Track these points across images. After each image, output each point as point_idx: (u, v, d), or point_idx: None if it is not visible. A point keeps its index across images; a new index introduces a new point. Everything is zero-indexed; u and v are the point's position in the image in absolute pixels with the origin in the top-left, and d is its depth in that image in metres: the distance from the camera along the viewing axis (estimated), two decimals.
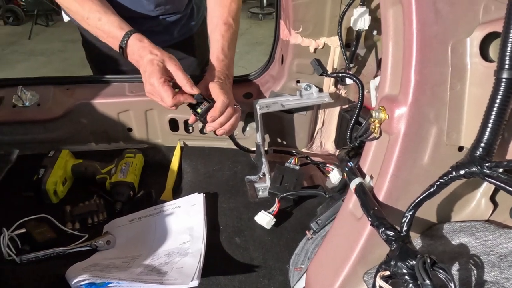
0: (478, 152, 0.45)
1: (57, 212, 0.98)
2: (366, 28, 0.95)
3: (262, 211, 0.96)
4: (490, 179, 0.44)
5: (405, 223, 0.49)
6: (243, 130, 1.23)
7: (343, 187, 0.97)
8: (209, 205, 1.01)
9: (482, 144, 0.45)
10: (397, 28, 0.53)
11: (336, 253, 0.62)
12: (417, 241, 0.57)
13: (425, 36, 0.49)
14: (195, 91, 0.93)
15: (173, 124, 1.21)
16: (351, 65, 1.05)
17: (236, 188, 1.10)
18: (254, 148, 1.17)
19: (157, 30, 1.23)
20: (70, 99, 1.15)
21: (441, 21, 0.48)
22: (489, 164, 0.44)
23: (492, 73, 0.44)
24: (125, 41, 0.93)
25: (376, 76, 1.07)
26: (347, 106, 1.17)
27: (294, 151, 1.25)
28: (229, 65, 1.05)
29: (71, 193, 1.08)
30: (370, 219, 0.51)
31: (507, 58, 0.42)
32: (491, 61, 0.48)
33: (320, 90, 1.13)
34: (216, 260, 0.88)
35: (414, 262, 0.44)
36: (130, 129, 1.20)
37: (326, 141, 1.27)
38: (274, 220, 0.95)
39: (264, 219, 0.95)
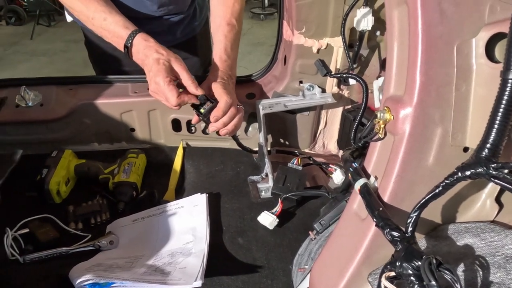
0: (484, 153, 0.45)
1: (60, 212, 0.98)
2: (369, 28, 0.95)
3: (265, 211, 0.96)
4: (496, 180, 0.44)
5: (410, 224, 0.49)
6: (246, 130, 1.23)
7: (346, 187, 0.97)
8: (212, 206, 1.01)
9: (488, 145, 0.45)
10: (402, 28, 0.53)
11: (340, 254, 0.62)
12: (421, 242, 0.57)
13: (430, 36, 0.49)
14: (199, 92, 0.93)
15: (176, 125, 1.21)
16: (354, 66, 1.04)
17: (238, 188, 1.10)
18: (257, 149, 1.17)
19: (160, 30, 1.23)
20: (73, 99, 1.16)
21: (447, 21, 0.48)
22: (495, 165, 0.44)
23: (498, 74, 0.44)
24: (130, 41, 0.93)
25: (379, 76, 1.07)
26: (350, 106, 1.17)
27: (296, 152, 1.25)
28: (232, 65, 1.05)
29: (74, 193, 1.08)
30: (375, 219, 0.51)
31: None
32: (497, 62, 0.48)
33: (323, 91, 1.13)
34: (219, 261, 0.88)
35: (419, 263, 0.44)
36: (133, 129, 1.21)
37: (328, 141, 1.27)
38: (277, 220, 0.95)
39: (267, 219, 0.95)
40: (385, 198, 0.55)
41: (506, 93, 0.43)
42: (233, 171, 1.17)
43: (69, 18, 1.27)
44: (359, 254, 0.57)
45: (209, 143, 1.25)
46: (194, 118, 1.03)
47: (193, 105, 0.96)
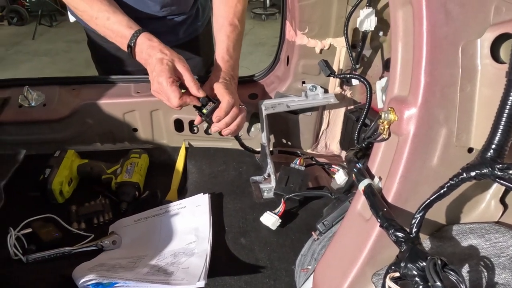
0: (489, 154, 0.45)
1: (63, 212, 0.98)
2: (372, 29, 0.95)
3: (268, 211, 0.96)
4: (501, 181, 0.43)
5: (415, 225, 0.49)
6: (248, 131, 1.23)
7: (348, 188, 0.97)
8: (214, 206, 1.01)
9: (493, 146, 0.45)
10: (407, 29, 0.53)
11: (344, 254, 0.62)
12: (426, 242, 0.57)
13: (435, 37, 0.49)
14: (201, 94, 0.93)
15: (178, 125, 1.21)
16: (357, 66, 1.04)
17: (241, 188, 1.10)
18: (259, 149, 1.17)
19: (162, 30, 1.23)
20: (76, 99, 1.16)
21: (452, 22, 0.48)
22: (500, 165, 0.44)
23: (503, 75, 0.44)
24: (134, 40, 0.93)
25: (382, 77, 1.07)
26: (352, 107, 1.17)
27: (299, 152, 1.25)
28: (234, 65, 1.05)
29: (76, 193, 1.08)
30: (379, 220, 0.51)
31: None
32: (502, 62, 0.48)
33: (326, 91, 1.13)
34: (221, 261, 0.88)
35: (424, 263, 0.44)
36: (135, 130, 1.21)
37: (331, 142, 1.27)
38: (280, 221, 0.95)
39: (270, 219, 0.95)
40: (389, 199, 0.55)
41: None
42: (235, 171, 1.17)
43: (72, 19, 1.28)
44: (363, 255, 0.57)
45: (211, 143, 1.25)
46: (197, 119, 1.03)
47: (195, 106, 0.96)
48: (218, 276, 0.84)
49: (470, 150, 0.53)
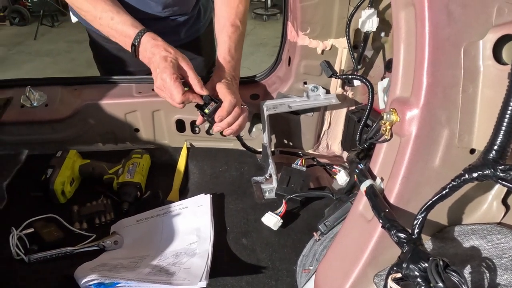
0: (491, 155, 0.45)
1: (65, 212, 0.99)
2: (374, 29, 0.95)
3: (269, 212, 0.96)
4: (503, 182, 0.43)
5: (417, 225, 0.49)
6: (250, 131, 1.23)
7: (350, 188, 0.97)
8: (215, 206, 1.01)
9: (496, 147, 0.45)
10: (409, 30, 0.53)
11: (346, 255, 0.62)
12: (427, 243, 0.57)
13: (437, 38, 0.49)
14: (204, 92, 0.93)
15: (180, 125, 1.21)
16: (359, 67, 1.04)
17: (242, 189, 1.10)
18: (261, 149, 1.17)
19: (164, 31, 1.22)
20: (78, 99, 1.16)
21: (454, 23, 0.48)
22: (502, 167, 0.44)
23: (505, 76, 0.44)
24: (138, 39, 0.93)
25: (383, 77, 1.07)
26: (354, 107, 1.17)
27: (300, 153, 1.25)
28: (235, 66, 1.05)
29: (78, 193, 1.08)
30: (381, 221, 0.51)
31: None
32: (504, 63, 0.48)
33: (327, 92, 1.13)
34: (223, 261, 0.88)
35: (426, 264, 0.44)
36: (137, 130, 1.21)
37: (332, 142, 1.27)
38: (281, 221, 0.95)
39: (271, 220, 0.95)
40: (391, 200, 0.55)
41: None
42: (237, 171, 1.17)
43: (74, 19, 1.28)
44: (365, 256, 0.57)
45: (213, 144, 1.25)
46: (199, 119, 1.03)
47: (198, 106, 0.96)
48: (219, 276, 0.84)
49: (472, 151, 0.53)
